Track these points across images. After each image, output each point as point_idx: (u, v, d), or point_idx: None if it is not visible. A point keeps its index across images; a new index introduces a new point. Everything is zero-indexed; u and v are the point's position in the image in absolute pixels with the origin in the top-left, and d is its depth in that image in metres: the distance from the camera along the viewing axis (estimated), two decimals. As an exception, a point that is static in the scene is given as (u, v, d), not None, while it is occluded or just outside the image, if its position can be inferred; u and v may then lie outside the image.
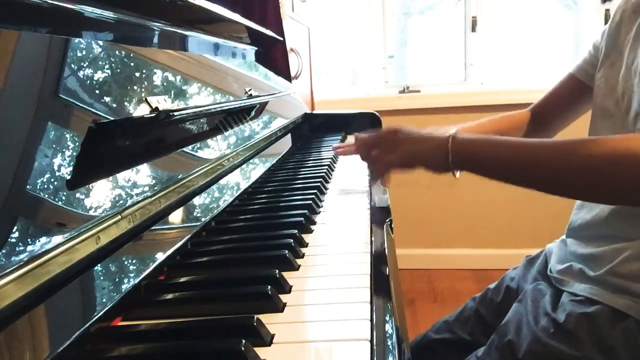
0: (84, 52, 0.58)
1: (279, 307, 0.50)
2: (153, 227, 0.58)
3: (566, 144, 0.68)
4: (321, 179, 1.00)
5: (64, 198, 0.45)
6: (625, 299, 0.74)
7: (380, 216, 0.81)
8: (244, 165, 0.94)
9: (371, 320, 0.47)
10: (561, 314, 0.77)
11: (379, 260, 0.63)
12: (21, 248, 0.38)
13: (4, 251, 0.36)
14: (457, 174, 0.77)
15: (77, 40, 0.58)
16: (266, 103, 1.22)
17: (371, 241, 0.69)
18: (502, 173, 0.74)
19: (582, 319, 0.75)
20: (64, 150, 0.47)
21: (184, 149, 0.75)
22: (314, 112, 1.82)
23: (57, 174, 0.45)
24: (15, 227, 0.39)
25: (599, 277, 0.77)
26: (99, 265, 0.47)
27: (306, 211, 0.79)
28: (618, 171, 0.63)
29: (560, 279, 0.85)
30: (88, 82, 0.57)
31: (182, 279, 0.56)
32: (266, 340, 0.44)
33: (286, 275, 0.57)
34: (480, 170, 0.75)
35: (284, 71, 1.66)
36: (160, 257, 0.56)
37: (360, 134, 0.93)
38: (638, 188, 0.62)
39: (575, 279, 0.82)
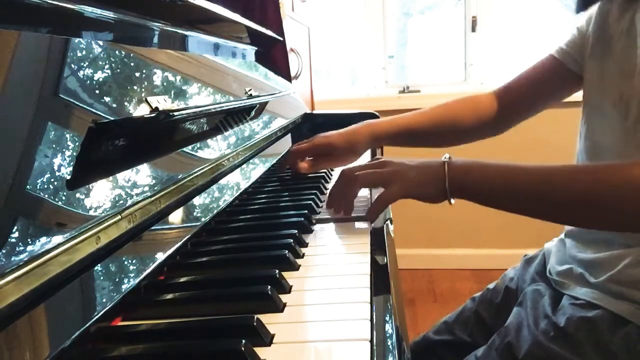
0: (84, 52, 0.58)
1: (279, 307, 0.50)
2: (153, 227, 0.58)
3: (568, 172, 0.67)
4: (321, 179, 1.00)
5: (64, 198, 0.45)
6: (627, 305, 0.73)
7: (380, 216, 0.81)
8: (244, 165, 0.94)
9: (371, 320, 0.47)
10: (561, 318, 0.77)
11: (379, 260, 0.63)
12: (21, 248, 0.38)
13: (4, 251, 0.36)
14: (453, 201, 0.73)
15: (77, 40, 0.58)
16: (266, 103, 1.22)
17: (371, 241, 0.69)
18: (500, 203, 0.72)
19: (582, 323, 0.74)
20: (64, 150, 0.47)
21: (184, 149, 0.75)
22: (314, 112, 1.81)
23: (57, 174, 0.45)
24: (15, 227, 0.39)
25: (600, 283, 0.77)
26: (99, 265, 0.46)
27: (306, 211, 0.79)
28: (619, 201, 0.62)
29: (560, 282, 0.84)
30: (88, 82, 0.57)
31: (182, 279, 0.56)
32: (266, 340, 0.44)
33: (286, 275, 0.57)
34: (475, 198, 0.72)
35: (284, 71, 1.65)
36: (160, 257, 0.56)
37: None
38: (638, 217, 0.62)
39: (575, 282, 0.81)
